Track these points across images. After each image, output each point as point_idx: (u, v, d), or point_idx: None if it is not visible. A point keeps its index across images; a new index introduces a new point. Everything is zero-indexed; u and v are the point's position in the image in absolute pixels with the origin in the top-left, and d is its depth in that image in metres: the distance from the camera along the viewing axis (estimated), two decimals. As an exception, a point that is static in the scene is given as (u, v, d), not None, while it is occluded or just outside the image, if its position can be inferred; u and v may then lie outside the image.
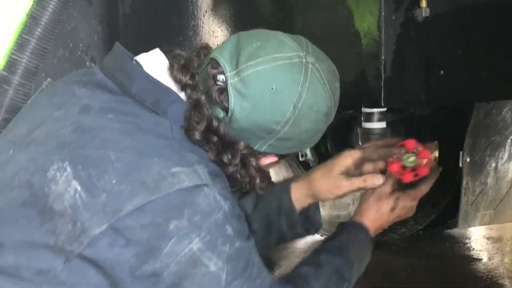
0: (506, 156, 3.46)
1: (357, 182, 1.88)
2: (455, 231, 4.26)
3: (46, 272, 1.48)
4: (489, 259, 4.01)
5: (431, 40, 2.01)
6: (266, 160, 1.65)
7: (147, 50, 1.67)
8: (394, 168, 1.87)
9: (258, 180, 1.66)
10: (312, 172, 1.95)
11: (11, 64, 2.00)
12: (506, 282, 3.68)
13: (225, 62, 1.56)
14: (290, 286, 1.70)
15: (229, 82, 1.54)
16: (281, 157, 1.68)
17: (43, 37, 2.02)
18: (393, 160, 1.88)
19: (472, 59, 2.08)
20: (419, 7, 1.96)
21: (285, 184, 1.99)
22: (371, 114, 2.13)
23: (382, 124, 2.14)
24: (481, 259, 4.02)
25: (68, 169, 1.50)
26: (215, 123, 1.57)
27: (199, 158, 1.56)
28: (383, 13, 1.93)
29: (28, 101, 1.80)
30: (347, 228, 1.91)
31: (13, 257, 1.49)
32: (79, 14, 2.50)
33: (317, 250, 1.85)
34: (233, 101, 1.54)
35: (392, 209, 1.91)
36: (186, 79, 1.61)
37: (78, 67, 2.40)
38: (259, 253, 1.63)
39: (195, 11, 2.50)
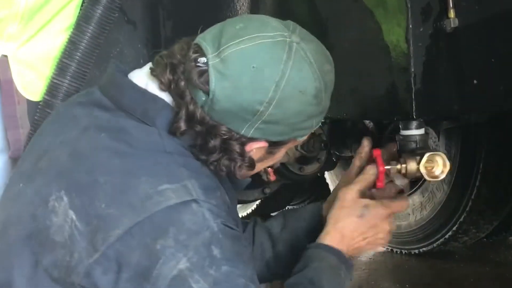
0: None
1: None
2: (519, 238, 4.18)
3: None
4: (555, 265, 3.92)
5: (462, 50, 1.99)
6: (254, 145, 1.59)
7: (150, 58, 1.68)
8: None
9: (238, 165, 1.59)
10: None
11: (52, 88, 2.06)
12: None
13: (206, 45, 1.55)
14: None
15: (210, 63, 1.52)
16: (273, 144, 1.62)
17: (83, 61, 2.08)
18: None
19: (506, 66, 2.05)
20: (447, 17, 1.94)
21: (316, 205, 1.97)
22: (409, 122, 2.11)
23: (421, 131, 2.11)
24: (547, 265, 3.93)
25: (65, 198, 1.51)
26: (194, 108, 1.54)
27: (191, 172, 1.53)
28: (411, 25, 1.92)
29: (39, 129, 1.83)
30: (315, 255, 1.76)
31: None
32: (125, 39, 2.57)
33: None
34: (214, 81, 1.51)
35: (361, 216, 1.79)
36: (166, 76, 1.58)
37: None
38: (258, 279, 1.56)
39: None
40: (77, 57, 2.08)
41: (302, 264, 1.75)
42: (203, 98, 1.53)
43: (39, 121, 2.05)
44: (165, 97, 1.59)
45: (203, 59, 1.53)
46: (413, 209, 3.86)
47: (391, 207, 1.85)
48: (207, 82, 1.52)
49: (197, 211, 1.47)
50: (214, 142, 1.55)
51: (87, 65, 2.10)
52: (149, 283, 1.45)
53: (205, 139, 1.56)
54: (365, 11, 2.03)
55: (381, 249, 4.18)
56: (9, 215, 1.60)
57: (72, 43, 2.08)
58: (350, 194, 1.83)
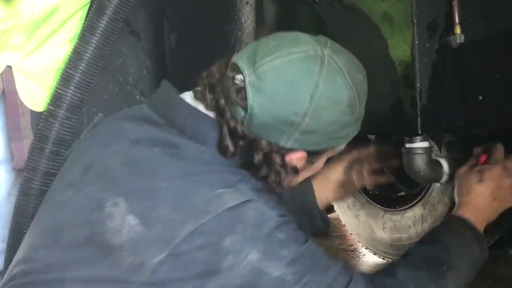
0: None
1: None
2: (520, 252, 4.16)
3: None
4: (557, 279, 3.91)
5: (467, 66, 2.00)
6: (294, 156, 1.66)
7: (194, 83, 1.73)
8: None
9: (283, 175, 1.66)
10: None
11: (56, 98, 2.05)
12: None
13: (243, 63, 1.61)
14: (364, 275, 1.71)
15: (246, 80, 1.58)
16: (311, 154, 1.68)
17: (87, 71, 2.07)
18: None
19: (511, 82, 2.05)
20: (453, 33, 1.95)
21: (308, 183, 2.12)
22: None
23: (425, 144, 2.11)
24: (549, 279, 3.92)
25: (122, 204, 1.57)
26: (234, 124, 1.61)
27: (241, 177, 1.61)
28: (417, 41, 1.92)
29: (80, 139, 1.88)
30: (439, 224, 1.95)
31: None
32: (128, 50, 2.56)
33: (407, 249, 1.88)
34: (251, 97, 1.57)
35: (480, 180, 1.93)
36: (207, 96, 1.65)
37: (128, 101, 2.47)
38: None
39: (237, 44, 2.52)
40: (82, 68, 2.07)
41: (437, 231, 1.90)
42: (242, 114, 1.60)
43: (42, 131, 2.04)
44: (213, 116, 1.66)
45: (240, 77, 1.60)
46: (414, 222, 3.86)
47: (501, 163, 1.99)
48: (245, 98, 1.58)
49: (255, 207, 1.56)
50: (258, 157, 1.63)
51: (92, 76, 2.09)
52: (220, 276, 1.53)
53: (249, 155, 1.63)
54: (372, 26, 2.04)
55: (382, 261, 4.18)
56: (61, 222, 1.64)
57: (77, 54, 2.07)
58: (464, 168, 2.02)
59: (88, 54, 2.07)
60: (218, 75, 1.66)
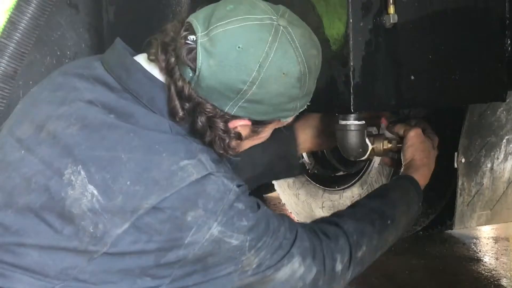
0: (501, 156, 3.43)
1: None
2: (454, 232, 4.24)
3: (71, 270, 1.55)
4: (488, 259, 3.99)
5: (400, 46, 2.03)
6: (237, 123, 1.67)
7: (148, 43, 1.71)
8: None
9: (227, 141, 1.67)
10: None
11: (-11, 68, 2.04)
12: (504, 282, 3.67)
13: (197, 24, 1.61)
14: (315, 224, 1.82)
15: (198, 41, 1.58)
16: (256, 123, 1.70)
17: (22, 41, 2.06)
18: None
19: (443, 63, 2.09)
20: (387, 13, 1.97)
21: (291, 131, 2.19)
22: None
23: (359, 122, 2.14)
24: (481, 259, 4.00)
25: (82, 172, 1.56)
26: (182, 84, 1.60)
27: (201, 147, 1.62)
28: (351, 20, 1.94)
29: (29, 94, 1.81)
30: (391, 181, 2.10)
31: (37, 257, 1.56)
32: (67, 23, 2.55)
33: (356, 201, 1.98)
34: (200, 59, 1.57)
35: (434, 148, 2.19)
36: (160, 56, 1.64)
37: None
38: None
39: (175, 19, 2.50)
40: (16, 38, 2.06)
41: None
42: (190, 75, 1.60)
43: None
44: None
45: (192, 37, 1.60)
46: (352, 201, 3.89)
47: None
48: (195, 59, 1.58)
49: (216, 180, 1.59)
50: (201, 119, 1.63)
51: (26, 46, 2.08)
52: (181, 249, 1.56)
53: (193, 117, 1.63)
54: (307, 4, 2.05)
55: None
56: (15, 184, 1.62)
57: (12, 24, 2.06)
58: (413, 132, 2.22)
59: (23, 24, 2.06)
60: (173, 34, 1.65)
